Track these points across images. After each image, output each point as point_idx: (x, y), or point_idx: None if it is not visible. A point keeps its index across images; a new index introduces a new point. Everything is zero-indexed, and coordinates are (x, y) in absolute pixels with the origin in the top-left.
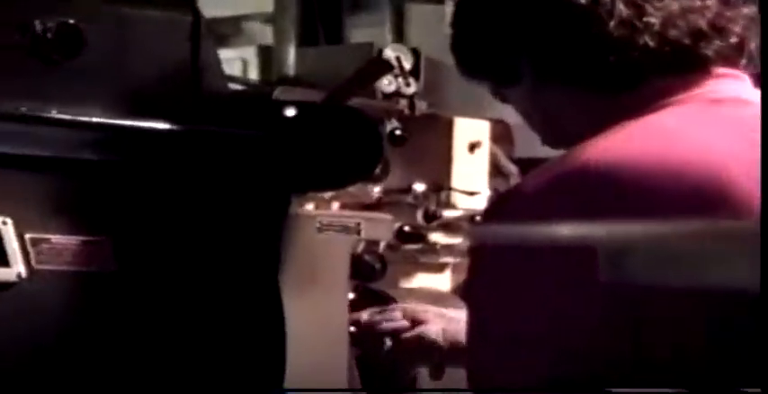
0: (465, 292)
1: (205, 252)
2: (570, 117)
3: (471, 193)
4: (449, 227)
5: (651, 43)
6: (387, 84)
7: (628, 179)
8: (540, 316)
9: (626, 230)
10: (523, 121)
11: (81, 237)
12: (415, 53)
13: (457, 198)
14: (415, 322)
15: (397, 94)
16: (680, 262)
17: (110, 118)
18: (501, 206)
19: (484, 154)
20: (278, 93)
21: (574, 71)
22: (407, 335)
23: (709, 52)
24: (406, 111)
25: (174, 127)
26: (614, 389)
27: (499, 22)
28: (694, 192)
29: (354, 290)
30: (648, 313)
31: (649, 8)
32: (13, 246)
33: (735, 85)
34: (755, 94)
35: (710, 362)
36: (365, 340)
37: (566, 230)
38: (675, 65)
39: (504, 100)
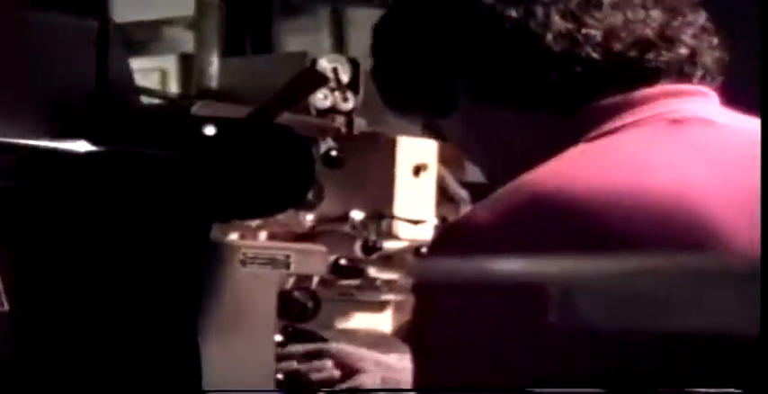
0: (408, 335)
1: (113, 289)
2: (517, 142)
3: (416, 222)
4: (390, 260)
5: (594, 56)
6: (322, 98)
7: (589, 212)
8: (491, 361)
9: (583, 266)
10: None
11: None
12: (354, 64)
13: (400, 227)
14: (349, 371)
15: (334, 110)
16: (649, 302)
17: (3, 136)
18: (449, 238)
19: (431, 178)
20: (197, 108)
21: (514, 90)
22: (341, 387)
23: (659, 64)
24: (343, 130)
25: (79, 147)
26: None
27: (426, 43)
28: (670, 230)
29: (283, 331)
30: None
31: (589, 20)
32: None
33: (693, 103)
34: (717, 113)
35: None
36: (293, 390)
37: (521, 266)
38: (624, 79)
39: (437, 134)
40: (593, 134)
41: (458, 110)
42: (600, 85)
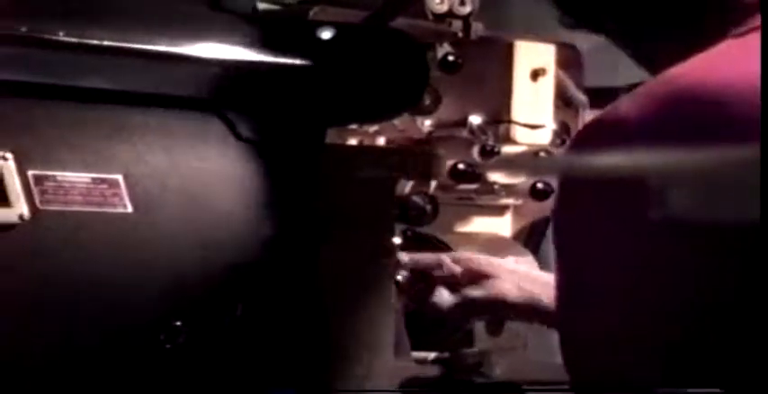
0: (554, 237)
1: (230, 192)
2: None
3: (534, 127)
4: (509, 164)
5: None
6: (438, 2)
7: (731, 103)
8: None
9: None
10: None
11: (91, 175)
12: None
13: (518, 131)
14: (479, 277)
15: (451, 14)
16: None
17: (121, 41)
18: (595, 131)
19: (549, 82)
20: (314, 12)
21: None
22: (476, 292)
23: None
24: (461, 34)
25: (194, 52)
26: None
27: None
28: None
29: (402, 234)
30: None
31: None
32: (14, 184)
33: None
34: None
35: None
36: (417, 290)
37: (683, 160)
38: None
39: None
40: (740, 30)
41: None
42: None
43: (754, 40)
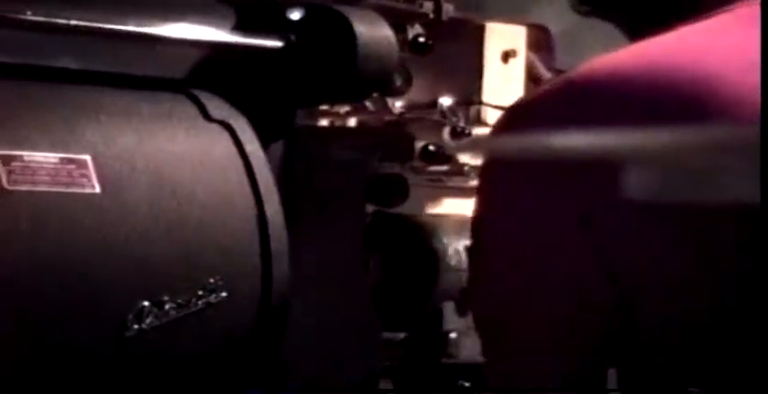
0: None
1: (198, 173)
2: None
3: (504, 108)
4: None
5: None
6: None
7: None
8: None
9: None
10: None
11: (59, 155)
12: None
13: (488, 113)
14: None
15: None
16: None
17: (89, 21)
18: (509, 117)
19: (519, 64)
20: None
21: None
22: None
23: None
24: (431, 15)
25: (163, 32)
26: None
27: None
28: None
29: (372, 215)
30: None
31: None
32: None
33: None
34: None
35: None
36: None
37: (586, 141)
38: None
39: None
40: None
41: None
42: None
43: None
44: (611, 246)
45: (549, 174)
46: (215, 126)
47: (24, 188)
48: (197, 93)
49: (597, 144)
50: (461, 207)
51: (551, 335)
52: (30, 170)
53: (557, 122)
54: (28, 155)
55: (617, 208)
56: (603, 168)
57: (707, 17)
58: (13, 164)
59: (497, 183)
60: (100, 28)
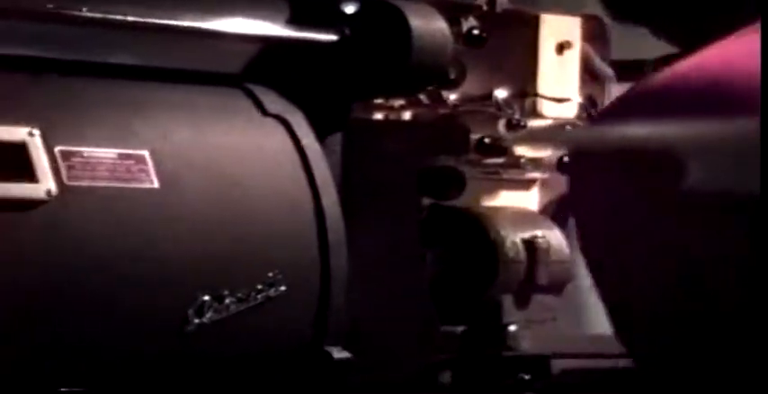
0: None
1: (255, 167)
2: None
3: (560, 100)
4: (535, 137)
5: None
6: None
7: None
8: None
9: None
10: None
11: (117, 150)
12: None
13: (544, 105)
14: None
15: None
16: None
17: (146, 16)
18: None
19: (574, 55)
20: None
21: None
22: None
23: None
24: (486, 8)
25: (219, 27)
26: None
27: None
28: None
29: (428, 209)
30: None
31: None
32: (41, 160)
33: None
34: None
35: None
36: None
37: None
38: None
39: None
40: None
41: None
42: None
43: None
44: None
45: None
46: (271, 120)
47: (84, 183)
48: (253, 87)
49: None
50: (518, 199)
51: None
52: (89, 166)
53: None
54: (87, 151)
55: None
56: None
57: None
58: (72, 159)
59: None
60: (156, 24)
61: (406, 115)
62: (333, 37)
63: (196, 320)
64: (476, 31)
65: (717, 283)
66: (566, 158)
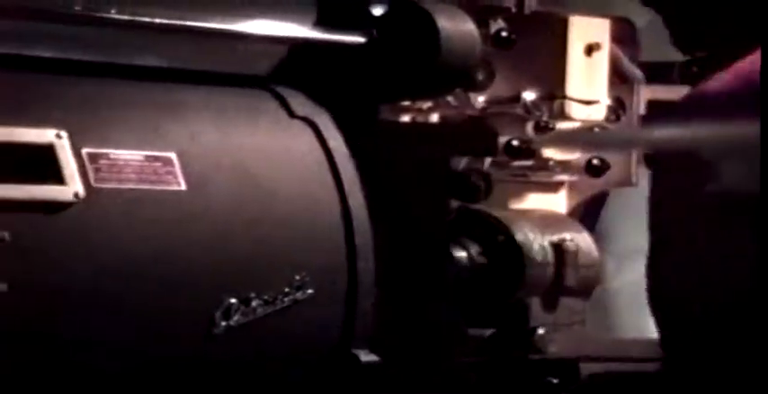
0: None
1: (282, 169)
2: None
3: (589, 102)
4: (564, 139)
5: None
6: None
7: None
8: None
9: None
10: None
11: (144, 153)
12: None
13: (572, 107)
14: None
15: None
16: None
17: (173, 18)
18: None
19: (603, 57)
20: None
21: None
22: None
23: None
24: (514, 9)
25: (246, 29)
26: None
27: None
28: None
29: (456, 211)
30: None
31: None
32: (69, 162)
33: None
34: None
35: None
36: None
37: None
38: None
39: None
40: None
41: None
42: None
43: None
44: None
45: None
46: (298, 122)
47: (111, 186)
48: (280, 89)
49: None
50: (546, 202)
51: None
52: (116, 168)
53: None
54: (114, 153)
55: None
56: None
57: None
58: (100, 161)
59: None
60: (183, 25)
61: (434, 117)
62: (361, 39)
63: (223, 323)
64: (504, 33)
65: None
66: (594, 161)
